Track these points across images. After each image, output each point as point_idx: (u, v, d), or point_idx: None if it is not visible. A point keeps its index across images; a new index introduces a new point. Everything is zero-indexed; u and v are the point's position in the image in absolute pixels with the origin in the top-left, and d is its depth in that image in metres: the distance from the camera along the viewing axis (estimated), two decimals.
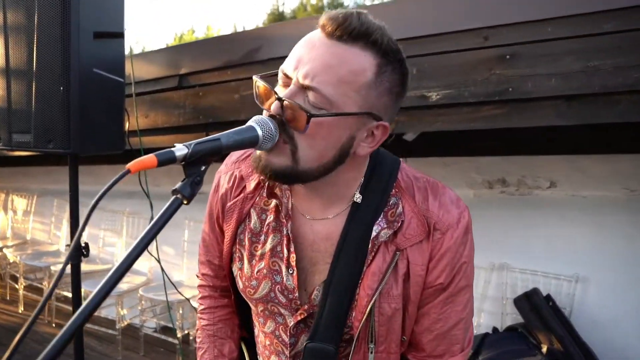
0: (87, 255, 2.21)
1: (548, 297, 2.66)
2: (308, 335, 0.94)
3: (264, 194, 0.96)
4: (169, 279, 2.84)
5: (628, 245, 2.65)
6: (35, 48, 1.99)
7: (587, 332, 2.60)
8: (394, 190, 0.92)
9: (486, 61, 1.69)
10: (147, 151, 2.50)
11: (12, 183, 5.61)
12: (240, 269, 1.00)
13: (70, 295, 4.11)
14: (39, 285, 4.69)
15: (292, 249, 0.93)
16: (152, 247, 3.03)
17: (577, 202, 2.77)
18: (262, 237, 0.97)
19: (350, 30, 0.78)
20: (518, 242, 2.89)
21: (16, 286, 4.60)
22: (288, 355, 0.99)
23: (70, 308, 4.10)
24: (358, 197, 0.91)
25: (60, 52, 1.96)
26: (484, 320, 2.91)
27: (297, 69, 0.80)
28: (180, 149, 0.74)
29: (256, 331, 1.09)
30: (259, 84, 0.84)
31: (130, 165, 0.70)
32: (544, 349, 2.46)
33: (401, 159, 0.99)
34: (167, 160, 0.73)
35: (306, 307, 0.95)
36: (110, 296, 3.73)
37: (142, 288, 3.72)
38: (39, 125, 2.01)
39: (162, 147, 2.02)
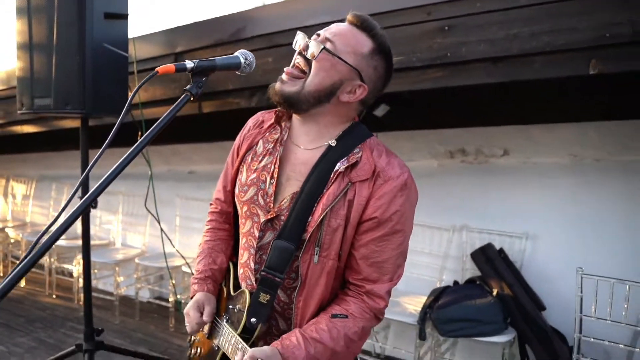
0: (95, 207, 2.62)
1: (500, 250, 3.10)
2: (273, 234, 1.35)
3: (273, 131, 1.40)
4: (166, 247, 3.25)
5: (573, 205, 3.08)
6: (55, 26, 2.41)
7: (536, 284, 3.04)
8: (360, 145, 1.34)
9: (429, 32, 2.13)
10: (147, 121, 2.96)
11: (11, 169, 6.00)
12: (240, 179, 1.43)
13: (69, 267, 4.49)
14: (41, 265, 5.05)
15: (277, 166, 1.36)
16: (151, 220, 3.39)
17: (528, 168, 3.21)
18: (261, 157, 1.40)
19: (364, 24, 1.26)
20: (476, 205, 3.32)
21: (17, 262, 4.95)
22: (255, 246, 1.38)
23: (71, 280, 4.50)
24: (333, 142, 1.33)
25: (77, 30, 2.39)
26: (446, 277, 3.34)
27: (327, 31, 1.28)
28: (189, 63, 1.16)
29: (240, 242, 1.47)
30: (300, 36, 1.30)
31: (158, 68, 1.11)
32: (495, 292, 2.88)
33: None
34: (182, 68, 1.16)
35: (276, 209, 1.35)
36: (108, 265, 4.08)
37: (137, 257, 4.11)
38: (57, 91, 2.42)
39: (160, 117, 2.49)
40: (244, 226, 1.41)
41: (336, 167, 1.27)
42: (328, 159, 1.29)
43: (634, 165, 2.86)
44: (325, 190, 1.27)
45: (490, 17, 2.02)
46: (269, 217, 1.32)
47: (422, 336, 2.91)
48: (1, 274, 5.23)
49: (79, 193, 2.57)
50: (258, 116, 1.49)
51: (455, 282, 3.21)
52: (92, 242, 4.57)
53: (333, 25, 1.28)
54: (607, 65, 1.87)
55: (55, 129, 3.72)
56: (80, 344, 2.68)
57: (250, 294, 1.32)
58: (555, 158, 3.13)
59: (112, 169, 1.08)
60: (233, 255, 1.54)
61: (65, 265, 4.62)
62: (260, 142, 1.41)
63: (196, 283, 1.48)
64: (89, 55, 2.40)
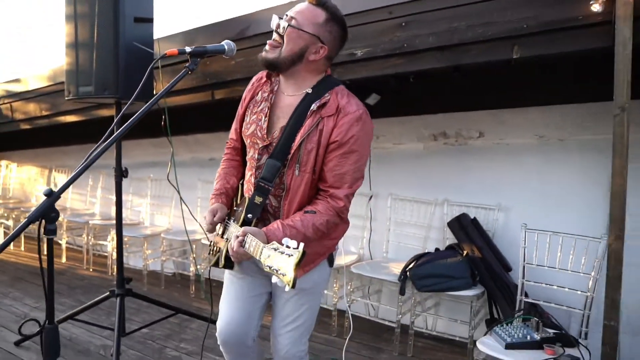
0: (126, 176, 3.27)
1: (474, 219, 3.62)
2: (267, 156, 1.94)
3: (268, 84, 2.00)
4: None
5: (540, 180, 3.57)
6: (95, 28, 3.10)
7: (507, 249, 3.53)
8: (330, 91, 1.91)
9: (390, 28, 2.71)
10: (170, 108, 3.68)
11: (54, 161, 6.84)
12: (245, 121, 2.03)
13: (104, 243, 5.20)
14: (79, 246, 5.81)
15: (269, 108, 1.95)
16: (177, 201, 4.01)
17: (500, 148, 3.73)
18: (259, 103, 2.01)
19: (318, 1, 1.84)
20: (456, 182, 3.86)
21: (59, 242, 5.72)
22: (255, 166, 1.98)
23: (105, 255, 5.22)
24: (309, 90, 1.92)
25: (112, 31, 3.06)
26: (429, 245, 3.88)
27: (291, 11, 1.85)
28: (188, 49, 1.77)
29: (245, 169, 2.07)
30: (275, 18, 1.87)
31: (166, 51, 1.73)
32: (465, 253, 3.40)
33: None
34: (182, 52, 1.76)
35: (269, 139, 1.95)
36: (137, 241, 4.79)
37: (163, 233, 4.79)
38: (97, 81, 3.10)
39: (181, 105, 3.34)
40: (249, 154, 2.02)
41: (311, 107, 1.85)
42: (306, 102, 1.88)
43: (589, 143, 3.33)
44: (303, 124, 1.85)
45: (436, 15, 2.58)
46: (264, 144, 1.93)
47: (401, 291, 3.45)
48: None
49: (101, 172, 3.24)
50: (260, 74, 2.08)
51: (437, 249, 3.75)
52: (123, 222, 5.38)
53: (297, 6, 1.86)
54: (526, 50, 2.41)
55: (93, 117, 4.45)
56: (113, 290, 3.34)
57: (249, 198, 1.92)
58: (523, 139, 3.64)
59: (136, 114, 1.69)
60: (242, 178, 2.14)
61: (101, 242, 5.35)
62: (260, 92, 2.02)
63: (213, 197, 2.09)
64: (122, 52, 3.07)
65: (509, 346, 2.50)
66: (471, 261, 3.40)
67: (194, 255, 4.61)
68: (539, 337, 2.54)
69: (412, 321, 3.51)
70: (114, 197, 3.63)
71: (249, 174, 1.99)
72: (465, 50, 2.56)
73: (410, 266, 3.47)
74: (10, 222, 6.39)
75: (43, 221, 1.51)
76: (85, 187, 6.19)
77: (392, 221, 4.05)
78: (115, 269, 3.88)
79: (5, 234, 6.42)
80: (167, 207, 5.25)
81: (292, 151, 1.83)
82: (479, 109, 3.68)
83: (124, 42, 3.08)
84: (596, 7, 2.17)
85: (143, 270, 4.86)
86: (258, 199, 1.88)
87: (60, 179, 6.58)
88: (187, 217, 3.51)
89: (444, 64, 2.62)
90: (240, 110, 2.08)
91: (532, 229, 2.95)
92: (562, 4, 2.30)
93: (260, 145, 1.92)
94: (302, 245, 1.48)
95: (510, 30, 2.42)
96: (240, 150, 2.12)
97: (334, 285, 3.92)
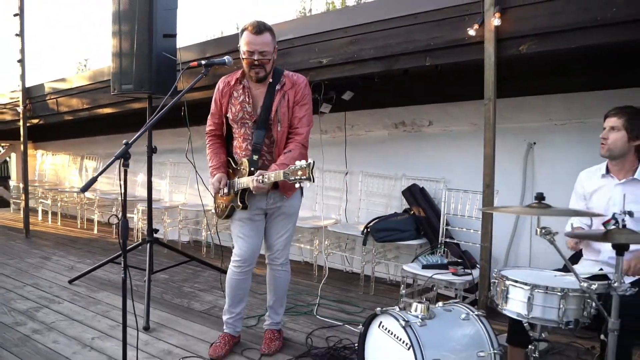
0: (155, 152, 4.57)
1: (422, 189, 4.87)
2: (256, 128, 3.18)
3: (239, 84, 3.25)
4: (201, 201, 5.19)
5: (475, 159, 4.76)
6: (135, 42, 4.40)
7: (451, 216, 4.76)
8: (283, 75, 3.19)
9: (345, 43, 3.99)
10: (188, 102, 5.14)
11: (84, 150, 8.25)
12: (231, 111, 3.28)
13: (131, 215, 6.49)
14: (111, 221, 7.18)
15: (250, 97, 3.20)
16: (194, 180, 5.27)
17: (445, 134, 4.98)
18: (238, 98, 3.25)
19: (261, 28, 3.10)
20: (412, 161, 5.12)
21: (92, 217, 7.11)
22: (249, 138, 3.22)
23: (132, 230, 6.58)
24: (271, 80, 3.19)
25: (147, 44, 4.37)
26: (390, 210, 5.12)
27: (257, 45, 3.04)
28: (203, 61, 3.07)
29: (234, 143, 3.33)
30: (246, 55, 3.12)
31: (190, 63, 3.04)
32: (412, 213, 4.66)
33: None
34: (199, 64, 3.07)
35: (255, 118, 3.21)
36: (158, 210, 6.14)
37: (180, 205, 6.12)
38: (136, 80, 4.42)
39: (198, 99, 4.86)
40: (239, 131, 3.20)
41: (276, 88, 3.12)
42: (271, 87, 3.12)
43: (505, 130, 4.54)
44: (274, 99, 3.11)
45: (376, 34, 3.86)
46: (253, 120, 3.17)
47: (364, 242, 4.71)
48: (79, 226, 7.40)
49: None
50: (224, 79, 3.29)
51: (396, 213, 5.00)
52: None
53: (258, 40, 3.02)
54: (434, 60, 3.67)
55: (126, 110, 5.79)
56: (145, 238, 4.65)
57: (248, 159, 3.13)
58: (463, 126, 4.88)
59: (167, 105, 2.97)
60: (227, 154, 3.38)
61: (129, 216, 6.71)
62: (234, 91, 3.24)
63: (215, 170, 3.28)
64: (154, 59, 4.38)
65: (425, 267, 3.77)
66: (417, 219, 4.65)
67: (207, 221, 5.91)
68: (446, 261, 3.80)
69: (374, 268, 4.77)
70: (137, 179, 4.79)
71: (244, 145, 3.21)
72: (396, 60, 3.83)
73: (371, 224, 4.73)
74: (48, 201, 7.81)
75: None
76: (112, 171, 7.51)
77: (363, 192, 5.33)
78: (140, 236, 5.16)
79: (44, 212, 7.84)
80: (183, 186, 6.60)
81: (272, 117, 3.09)
82: (429, 102, 4.95)
83: (155, 52, 4.38)
84: (472, 32, 3.42)
85: (163, 238, 6.19)
86: (255, 157, 3.14)
87: (90, 164, 7.98)
88: (201, 189, 4.78)
89: (381, 69, 3.91)
90: (215, 108, 3.27)
91: (451, 188, 4.21)
92: (456, 28, 3.55)
93: (251, 122, 3.17)
94: (310, 159, 2.67)
95: (425, 46, 3.69)
96: (221, 134, 3.33)
97: (315, 241, 5.21)
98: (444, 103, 4.89)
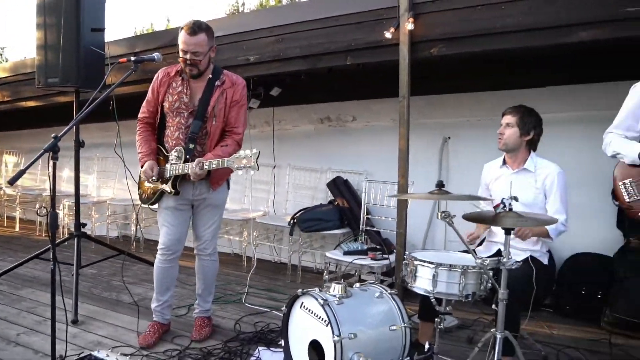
0: (83, 146, 4.57)
1: (345, 181, 5.14)
2: (192, 118, 3.28)
3: (178, 76, 3.34)
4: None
5: (394, 152, 5.07)
6: (62, 35, 4.38)
7: (371, 205, 5.04)
8: (223, 74, 3.33)
9: (272, 42, 4.17)
10: (117, 98, 5.14)
11: (3, 145, 7.95)
12: (168, 100, 3.34)
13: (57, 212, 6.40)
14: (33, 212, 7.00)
15: (188, 89, 3.30)
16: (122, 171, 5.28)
17: (368, 129, 5.27)
18: (176, 88, 3.32)
19: (196, 27, 3.22)
20: (336, 154, 5.38)
21: (14, 214, 6.91)
22: (183, 127, 3.32)
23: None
24: (210, 76, 3.31)
25: (75, 37, 4.36)
26: (316, 202, 5.35)
27: (190, 45, 3.17)
28: (132, 58, 3.15)
29: (166, 132, 3.41)
30: (181, 54, 3.24)
31: (120, 59, 3.12)
32: (336, 204, 4.90)
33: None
34: (129, 60, 3.15)
35: (191, 109, 3.31)
36: (86, 205, 6.11)
37: (108, 200, 6.09)
38: (62, 74, 4.40)
39: (127, 93, 4.83)
40: (173, 121, 3.30)
41: (216, 84, 3.26)
42: (210, 82, 3.26)
43: (423, 125, 4.88)
44: (212, 94, 3.25)
45: (301, 34, 4.08)
46: (190, 110, 3.27)
47: (291, 232, 4.91)
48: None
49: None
50: (164, 70, 3.40)
51: (321, 204, 5.23)
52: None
53: (191, 40, 3.16)
54: (355, 60, 3.92)
55: (52, 104, 5.70)
56: (72, 232, 4.64)
57: (183, 147, 3.23)
58: (383, 122, 5.17)
59: (97, 100, 3.05)
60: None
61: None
62: (173, 82, 3.34)
63: (145, 156, 3.36)
64: (82, 53, 4.37)
65: (346, 253, 4.02)
66: (340, 209, 4.91)
67: (136, 214, 5.91)
68: (366, 247, 4.07)
69: (300, 257, 4.98)
70: (62, 175, 4.71)
71: (176, 134, 3.29)
72: (319, 59, 4.06)
73: (297, 215, 4.94)
74: None
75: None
76: (35, 167, 7.33)
77: (291, 185, 5.54)
78: (66, 232, 5.12)
79: None
80: (111, 181, 6.55)
81: (209, 111, 3.23)
82: (353, 99, 5.22)
83: (83, 46, 4.37)
84: (388, 35, 3.70)
85: (91, 234, 6.12)
86: (191, 145, 3.24)
87: (10, 160, 7.72)
88: (130, 184, 4.80)
89: (306, 67, 4.13)
90: (152, 96, 3.37)
91: (371, 180, 4.49)
92: (374, 31, 3.82)
93: (187, 112, 3.27)
94: (256, 149, 2.83)
95: (346, 46, 3.94)
96: (154, 123, 3.43)
97: (244, 233, 5.37)
98: (366, 100, 5.18)
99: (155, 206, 3.44)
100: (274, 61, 4.21)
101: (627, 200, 2.64)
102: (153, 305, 3.50)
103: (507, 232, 2.40)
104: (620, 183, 2.67)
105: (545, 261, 3.13)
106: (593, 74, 4.11)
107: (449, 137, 4.89)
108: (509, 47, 3.47)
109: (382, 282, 4.03)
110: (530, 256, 3.02)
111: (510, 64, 4.21)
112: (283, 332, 2.91)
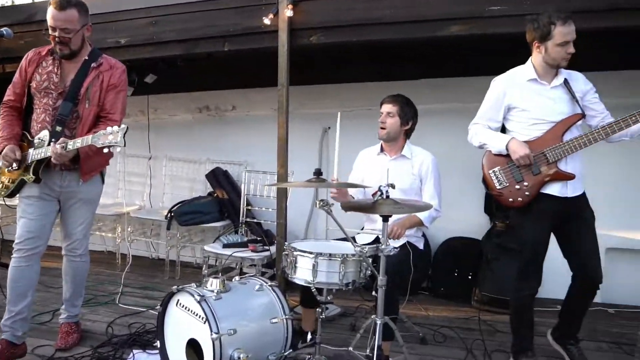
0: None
1: (225, 172, 4.99)
2: (61, 99, 2.93)
3: (49, 56, 2.98)
4: None
5: (275, 142, 4.98)
6: None
7: (251, 196, 4.92)
8: (101, 57, 3.01)
9: (145, 24, 3.93)
10: None
11: None
12: (35, 80, 2.96)
13: None
14: None
15: (58, 68, 2.95)
16: None
17: (249, 119, 5.17)
18: (46, 68, 2.96)
19: (65, 3, 2.87)
20: (216, 145, 5.23)
21: None
22: (52, 107, 2.95)
23: None
24: (87, 58, 2.98)
25: None
26: (195, 194, 5.14)
27: (59, 21, 2.83)
28: None
29: (32, 116, 3.04)
30: (49, 31, 2.87)
31: None
32: (215, 196, 4.74)
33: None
34: None
35: (61, 90, 2.95)
36: None
37: None
38: None
39: None
40: (40, 102, 2.93)
41: (92, 65, 2.95)
42: (86, 64, 2.96)
43: (304, 115, 4.82)
44: (88, 75, 2.93)
45: (177, 17, 3.86)
46: (59, 91, 2.92)
47: (168, 227, 4.67)
48: None
49: None
50: (35, 49, 3.05)
51: (200, 196, 5.03)
52: None
53: (60, 16, 2.82)
54: (232, 46, 3.79)
55: None
56: None
57: (50, 131, 2.87)
58: (264, 111, 5.06)
59: None
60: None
61: None
62: (43, 61, 2.99)
63: (6, 140, 2.95)
64: None
65: (225, 246, 3.89)
66: (220, 201, 4.76)
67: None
68: (246, 239, 3.97)
69: (179, 252, 4.76)
70: None
71: (42, 116, 2.94)
72: (196, 43, 3.87)
73: (175, 208, 4.71)
74: None
75: None
76: None
77: (168, 177, 5.28)
78: None
79: None
80: None
81: (81, 93, 2.91)
82: (233, 87, 5.06)
83: None
84: (267, 21, 3.61)
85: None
86: (58, 128, 2.90)
87: None
88: None
89: (182, 52, 3.92)
90: (19, 77, 3.03)
91: (250, 170, 4.41)
92: (253, 16, 3.71)
93: (56, 93, 2.94)
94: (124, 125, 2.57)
95: (224, 32, 3.79)
96: (19, 108, 3.07)
97: (118, 229, 5.03)
98: (246, 89, 5.05)
99: (16, 200, 3.05)
100: (147, 45, 3.95)
101: (498, 187, 2.80)
102: (2, 320, 2.96)
103: (385, 219, 2.42)
104: (490, 171, 2.82)
105: (421, 246, 3.24)
106: (464, 68, 4.34)
107: (329, 128, 4.91)
108: (387, 38, 3.53)
109: (263, 274, 3.96)
110: (408, 242, 3.10)
111: (388, 56, 4.31)
112: (158, 332, 2.73)
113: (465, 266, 4.36)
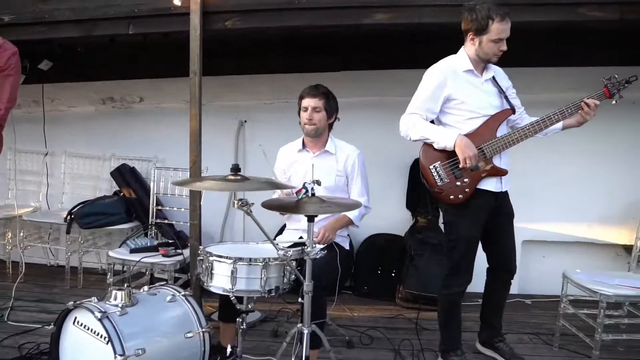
0: None
1: (132, 169, 4.58)
2: None
3: None
4: None
5: (186, 136, 4.59)
6: None
7: (162, 195, 4.53)
8: None
9: (36, 1, 3.44)
10: None
11: None
12: None
13: None
14: None
15: None
16: None
17: (159, 111, 4.79)
18: None
19: None
20: (122, 139, 4.79)
21: None
22: None
23: None
24: None
25: None
26: (99, 193, 4.69)
27: None
28: None
29: None
30: None
31: None
32: (122, 195, 4.34)
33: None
34: None
35: None
36: None
37: None
38: None
39: None
40: None
41: None
42: None
43: (219, 108, 4.51)
44: None
45: None
46: None
47: (67, 230, 4.21)
48: None
49: None
50: None
51: (105, 196, 4.59)
52: None
53: None
54: (137, 29, 3.42)
55: None
56: None
57: None
58: (175, 103, 4.69)
59: None
60: None
61: None
62: None
63: None
64: None
65: (133, 251, 3.53)
66: (127, 201, 4.36)
67: None
68: (156, 243, 3.63)
69: (81, 257, 4.31)
70: None
71: None
72: (95, 25, 3.45)
73: (75, 209, 4.25)
74: None
75: None
76: None
77: (67, 175, 4.77)
78: None
79: None
80: None
81: None
82: (141, 77, 4.64)
83: None
84: (177, 2, 3.28)
85: None
86: None
87: None
88: None
89: (78, 34, 3.48)
90: None
91: (160, 167, 4.06)
92: None
93: None
94: None
95: (127, 12, 3.39)
96: None
97: (8, 234, 4.48)
98: (156, 79, 4.65)
99: None
100: (37, 24, 3.46)
101: (439, 184, 2.65)
102: None
103: (311, 219, 2.21)
104: (431, 167, 2.67)
105: (347, 246, 3.08)
106: (385, 62, 4.22)
107: (245, 121, 4.66)
108: (308, 24, 3.32)
109: (176, 280, 3.64)
110: (334, 242, 2.93)
111: (307, 47, 4.11)
112: (52, 356, 2.36)
113: (389, 263, 4.27)
